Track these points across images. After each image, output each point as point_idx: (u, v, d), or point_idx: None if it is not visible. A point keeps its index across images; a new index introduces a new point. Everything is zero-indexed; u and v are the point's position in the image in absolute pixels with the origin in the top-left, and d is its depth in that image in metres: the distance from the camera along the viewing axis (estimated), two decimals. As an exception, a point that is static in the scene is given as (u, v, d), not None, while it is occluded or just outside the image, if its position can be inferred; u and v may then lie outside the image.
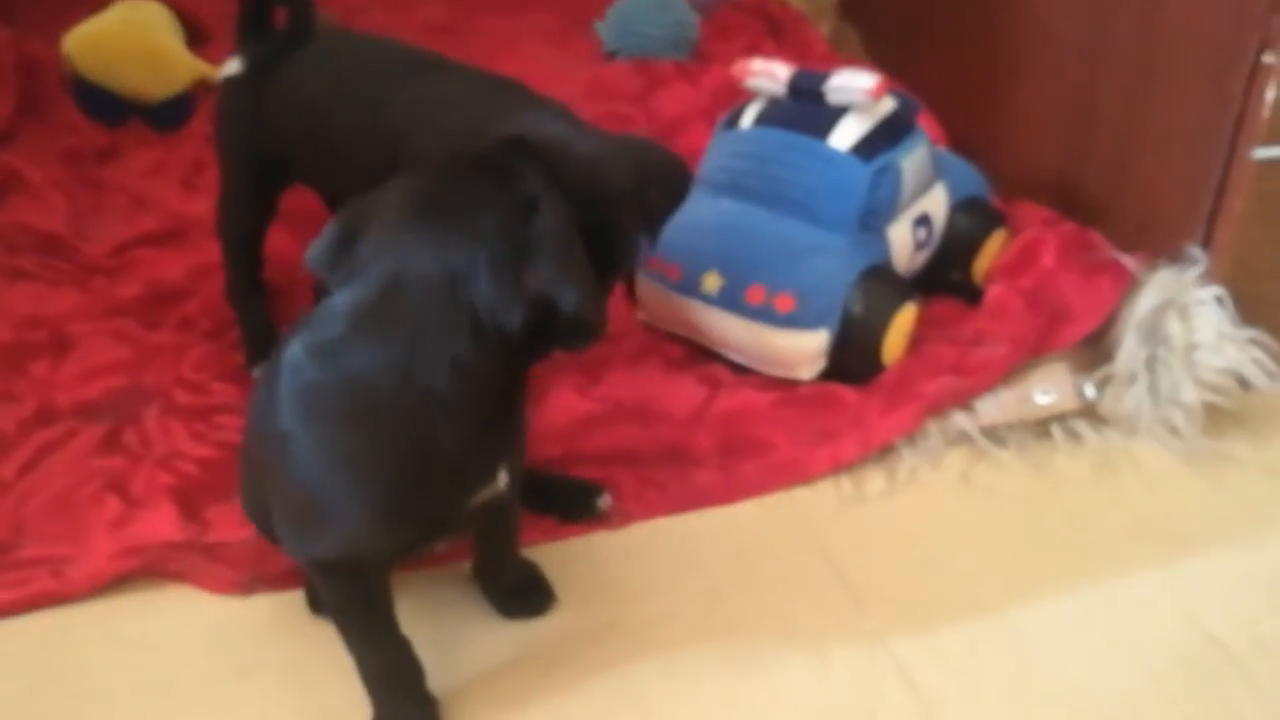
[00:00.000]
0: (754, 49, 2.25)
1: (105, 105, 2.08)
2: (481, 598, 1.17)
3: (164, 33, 2.13)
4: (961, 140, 1.85)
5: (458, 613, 1.17)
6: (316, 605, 1.15)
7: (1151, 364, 1.42)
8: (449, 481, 0.94)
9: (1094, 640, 1.16)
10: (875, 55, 2.22)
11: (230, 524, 1.23)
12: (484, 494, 0.98)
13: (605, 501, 1.27)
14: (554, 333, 0.91)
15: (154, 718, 1.08)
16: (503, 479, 0.99)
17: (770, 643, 1.14)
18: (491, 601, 1.17)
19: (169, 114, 2.10)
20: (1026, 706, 1.09)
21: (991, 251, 1.58)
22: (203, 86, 2.15)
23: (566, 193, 0.92)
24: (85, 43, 2.05)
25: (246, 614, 1.18)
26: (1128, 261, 1.47)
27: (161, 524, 1.23)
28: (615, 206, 1.02)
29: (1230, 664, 1.13)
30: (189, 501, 1.27)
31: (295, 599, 1.18)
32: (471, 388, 0.87)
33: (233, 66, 1.41)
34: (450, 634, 1.14)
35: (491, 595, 1.17)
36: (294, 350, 0.90)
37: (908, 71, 2.03)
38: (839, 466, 1.36)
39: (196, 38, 2.25)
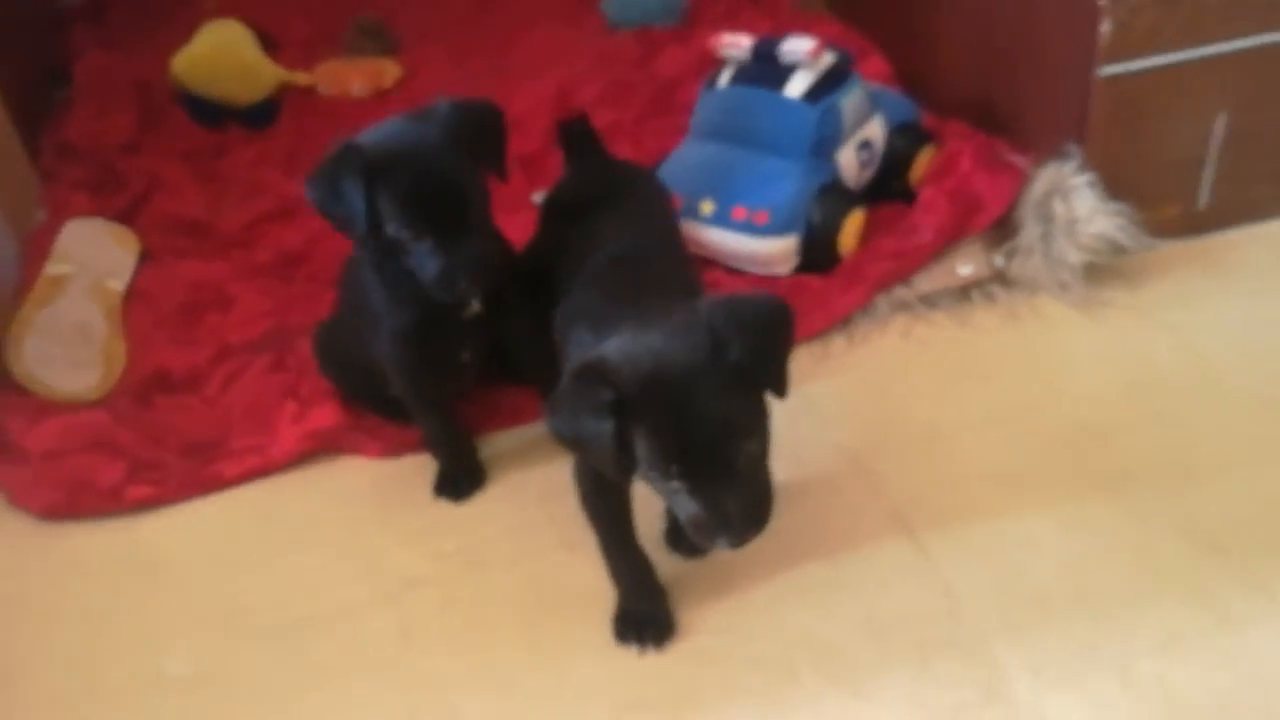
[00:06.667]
0: (732, 12, 2.69)
1: (206, 112, 2.55)
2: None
3: (248, 47, 2.59)
4: (906, 72, 2.31)
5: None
6: (439, 489, 1.63)
7: (1045, 237, 1.87)
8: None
9: (997, 434, 1.63)
10: (837, 9, 2.65)
11: (375, 413, 1.73)
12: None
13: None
14: None
15: (351, 535, 1.59)
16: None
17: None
18: None
19: (260, 115, 2.57)
20: (955, 474, 1.56)
21: (922, 163, 2.03)
22: (285, 89, 2.62)
23: None
24: (190, 62, 2.51)
25: (399, 469, 1.69)
26: (1020, 161, 1.92)
27: (328, 415, 1.72)
28: None
29: (1094, 437, 1.60)
30: (343, 399, 1.75)
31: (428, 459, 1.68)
32: None
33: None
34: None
35: None
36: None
37: (864, 20, 2.48)
38: (811, 336, 1.82)
39: (270, 46, 2.70)
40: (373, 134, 1.44)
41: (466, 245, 1.43)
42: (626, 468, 1.15)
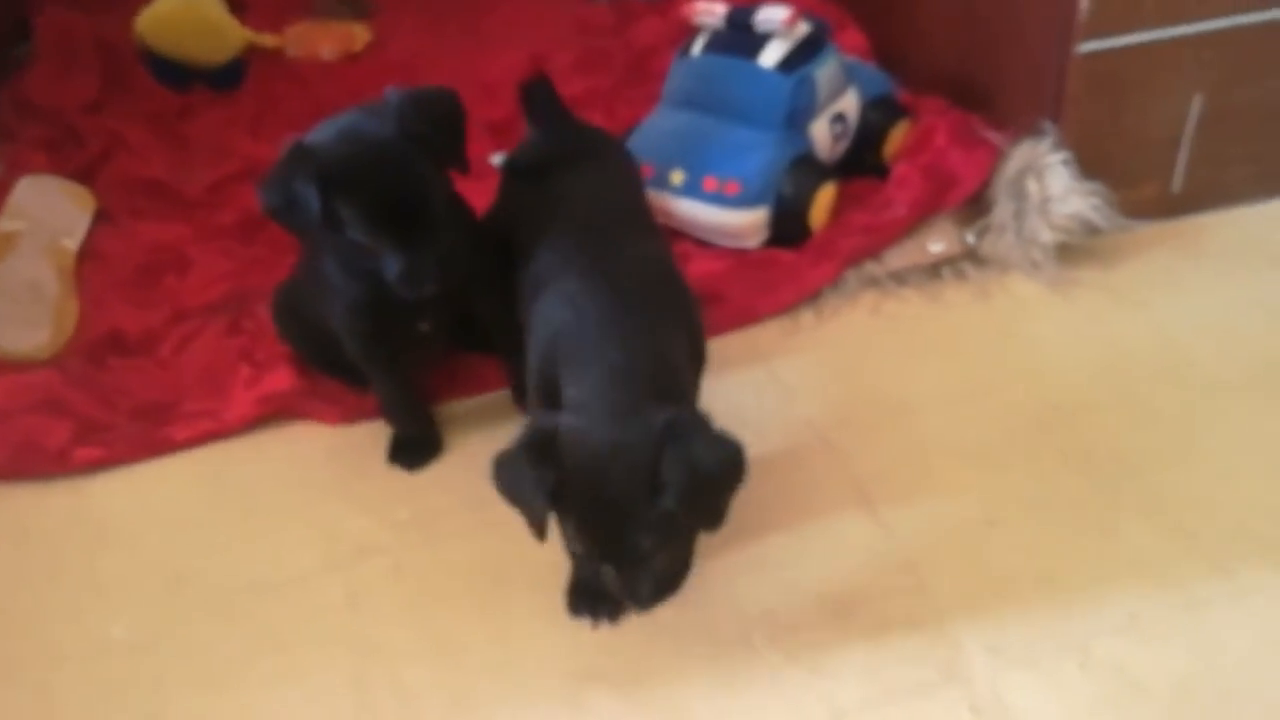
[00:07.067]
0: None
1: (172, 73, 2.49)
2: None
3: (214, 7, 2.53)
4: (884, 47, 2.28)
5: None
6: (393, 457, 1.61)
7: (1017, 215, 1.85)
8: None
9: (967, 409, 1.61)
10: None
11: (333, 378, 1.69)
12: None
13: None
14: None
15: (304, 502, 1.55)
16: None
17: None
18: None
19: (226, 77, 2.51)
20: (921, 451, 1.55)
21: (897, 138, 2.00)
22: (251, 51, 2.57)
23: None
24: (154, 21, 2.44)
25: (354, 436, 1.65)
26: (996, 138, 1.90)
27: (283, 379, 1.68)
28: None
29: (1061, 417, 1.58)
30: (300, 363, 1.71)
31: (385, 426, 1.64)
32: None
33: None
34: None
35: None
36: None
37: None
38: (780, 310, 1.79)
39: (237, 8, 2.64)
40: (324, 132, 1.39)
41: (428, 245, 1.40)
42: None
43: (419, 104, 1.40)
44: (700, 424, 1.17)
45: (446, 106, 1.45)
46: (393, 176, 1.37)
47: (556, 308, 1.31)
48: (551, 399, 1.27)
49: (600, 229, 1.43)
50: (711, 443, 1.17)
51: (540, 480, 1.13)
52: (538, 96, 1.68)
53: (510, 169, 1.64)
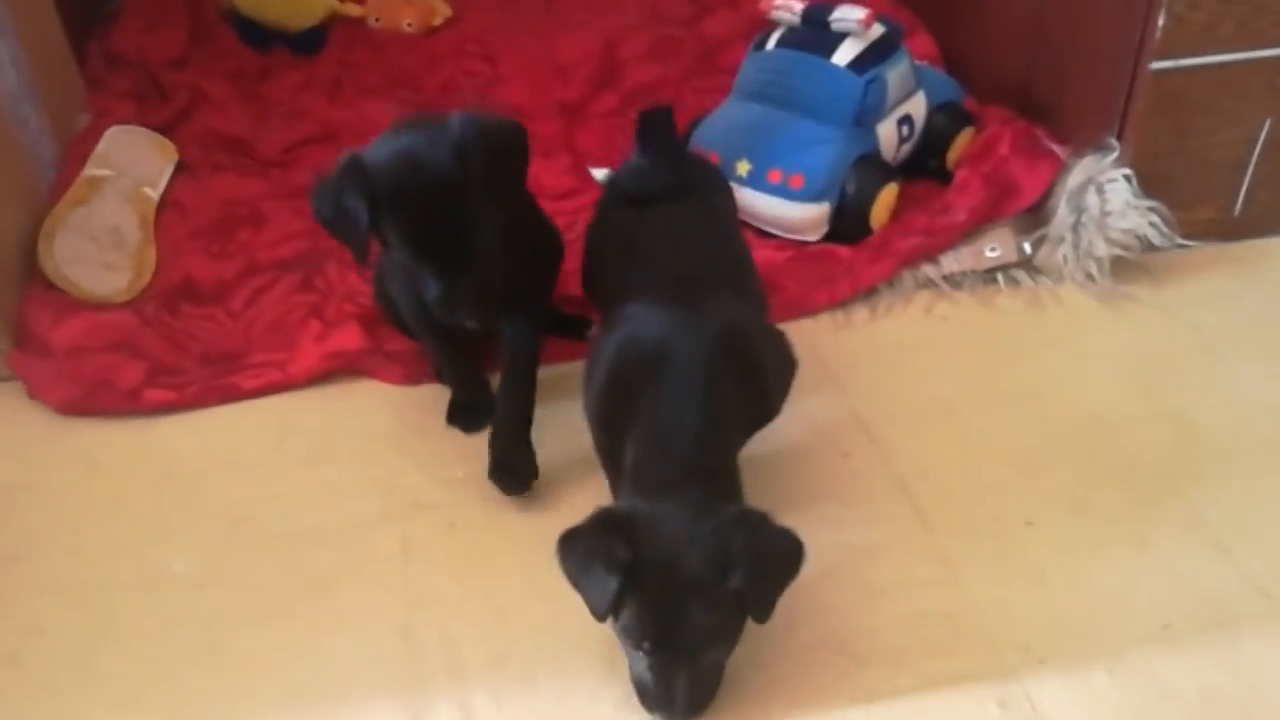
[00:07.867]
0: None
1: (255, 35, 2.55)
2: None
3: (301, -26, 2.60)
4: (951, 54, 2.30)
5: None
6: (451, 419, 1.66)
7: (1075, 227, 1.87)
8: None
9: (1012, 413, 1.63)
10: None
11: (399, 338, 1.75)
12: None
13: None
14: None
15: (363, 455, 1.61)
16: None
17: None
18: None
19: (307, 42, 2.57)
20: (963, 450, 1.58)
21: (961, 145, 2.03)
22: (334, 18, 2.63)
23: None
24: (242, -17, 2.53)
25: (416, 396, 1.71)
26: (1059, 150, 1.92)
27: (351, 338, 1.74)
28: None
29: (1105, 427, 1.61)
30: (368, 323, 1.77)
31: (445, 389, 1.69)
32: None
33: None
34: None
35: None
36: None
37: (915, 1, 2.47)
38: (835, 303, 1.83)
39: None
40: (381, 150, 1.42)
41: (468, 278, 1.44)
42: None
43: (481, 134, 1.42)
44: (765, 518, 1.23)
45: (507, 139, 1.46)
46: (441, 206, 1.40)
47: (634, 376, 1.31)
48: (615, 436, 1.34)
49: (694, 283, 1.39)
50: (777, 534, 1.22)
51: (615, 556, 1.16)
52: (655, 126, 1.60)
53: (613, 191, 1.62)
